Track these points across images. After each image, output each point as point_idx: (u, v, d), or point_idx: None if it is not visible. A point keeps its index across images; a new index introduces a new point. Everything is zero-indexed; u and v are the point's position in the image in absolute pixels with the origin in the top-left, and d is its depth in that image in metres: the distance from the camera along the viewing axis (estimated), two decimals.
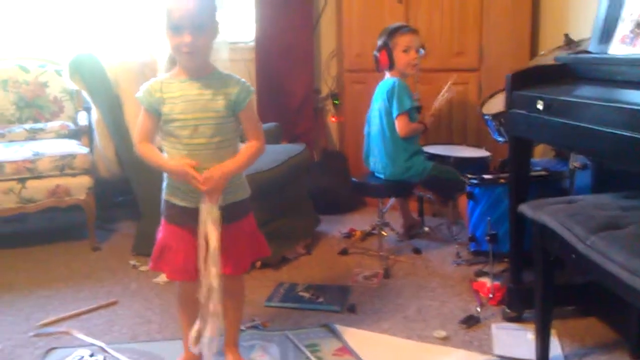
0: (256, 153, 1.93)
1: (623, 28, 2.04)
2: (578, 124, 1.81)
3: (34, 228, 3.79)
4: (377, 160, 3.12)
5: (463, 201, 2.90)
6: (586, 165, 2.45)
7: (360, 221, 3.65)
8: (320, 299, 2.59)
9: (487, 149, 3.33)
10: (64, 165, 3.26)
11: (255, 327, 2.36)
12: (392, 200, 3.52)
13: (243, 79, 1.92)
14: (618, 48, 2.03)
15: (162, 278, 2.79)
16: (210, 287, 1.83)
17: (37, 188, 3.23)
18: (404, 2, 3.69)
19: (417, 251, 3.16)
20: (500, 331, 2.28)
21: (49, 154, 3.25)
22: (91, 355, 2.17)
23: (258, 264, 2.89)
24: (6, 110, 3.72)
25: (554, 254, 1.89)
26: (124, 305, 2.62)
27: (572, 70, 2.21)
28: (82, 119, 3.71)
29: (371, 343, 2.23)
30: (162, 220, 1.97)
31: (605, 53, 2.09)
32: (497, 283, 2.52)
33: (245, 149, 1.93)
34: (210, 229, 1.81)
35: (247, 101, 1.88)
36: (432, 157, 3.16)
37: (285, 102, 4.20)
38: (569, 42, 2.62)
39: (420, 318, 2.42)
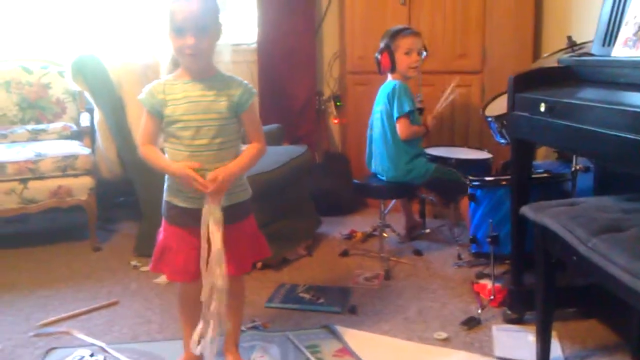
0: (258, 155, 1.94)
1: (626, 31, 2.04)
2: (581, 126, 1.81)
3: (36, 228, 3.79)
4: (379, 163, 3.12)
5: (465, 203, 2.90)
6: (588, 167, 2.45)
7: (361, 223, 3.65)
8: (321, 300, 2.59)
9: (489, 151, 3.33)
10: (66, 166, 3.26)
11: (255, 327, 2.36)
12: (393, 202, 3.52)
13: (245, 81, 1.93)
14: (621, 51, 2.03)
15: (163, 278, 2.79)
16: (212, 288, 1.83)
17: (39, 188, 3.23)
18: (406, 4, 3.69)
19: (418, 253, 3.16)
20: (501, 333, 2.28)
21: (51, 155, 3.26)
22: (91, 355, 2.16)
23: (259, 265, 2.89)
24: (9, 111, 3.72)
25: (555, 256, 1.89)
26: (125, 306, 2.62)
27: (575, 73, 2.21)
28: (85, 120, 3.71)
29: (372, 344, 2.23)
30: (163, 222, 1.97)
31: (608, 55, 2.08)
32: (498, 285, 2.52)
33: (247, 150, 1.93)
34: (213, 230, 1.81)
35: (249, 103, 1.89)
36: (434, 158, 3.16)
37: (287, 103, 4.20)
38: (572, 45, 2.61)
39: (421, 319, 2.42)
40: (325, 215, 3.64)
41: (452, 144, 3.63)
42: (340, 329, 2.32)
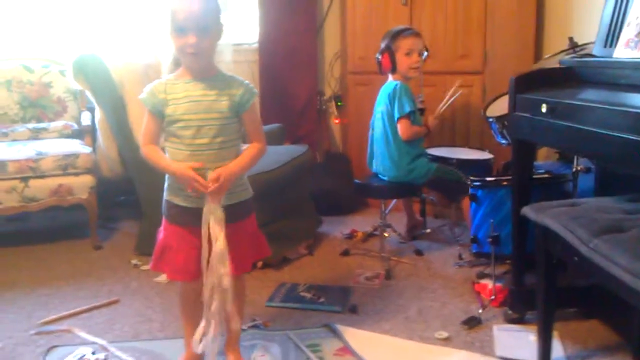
0: (258, 154, 1.95)
1: (628, 32, 2.04)
2: (582, 127, 1.81)
3: (36, 227, 3.80)
4: (380, 163, 3.12)
5: (466, 203, 2.90)
6: (589, 168, 2.45)
7: (362, 222, 3.65)
8: (322, 299, 2.59)
9: (490, 151, 3.33)
10: (67, 165, 3.27)
11: (256, 326, 2.36)
12: (394, 202, 3.53)
13: (247, 81, 1.93)
14: (623, 52, 2.03)
15: (164, 277, 2.80)
16: (213, 287, 1.83)
17: (39, 187, 3.23)
18: (408, 4, 3.69)
19: (419, 252, 3.16)
20: (502, 332, 2.28)
21: (52, 154, 3.26)
22: (93, 353, 2.17)
23: (259, 264, 2.89)
24: (10, 110, 3.72)
25: (556, 256, 1.89)
26: (125, 304, 2.62)
27: (577, 74, 2.21)
28: (86, 119, 3.71)
29: (372, 343, 2.23)
30: (164, 221, 1.98)
31: (610, 57, 2.08)
32: (499, 285, 2.52)
33: (248, 150, 1.94)
34: (215, 229, 1.81)
35: (250, 103, 1.90)
36: (435, 159, 3.17)
37: (288, 103, 4.20)
38: (573, 46, 2.61)
39: (422, 319, 2.42)
40: (326, 215, 3.64)
41: (453, 144, 3.63)
42: (341, 328, 2.32)
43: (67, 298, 2.69)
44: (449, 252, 3.15)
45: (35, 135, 3.59)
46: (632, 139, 1.57)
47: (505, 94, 2.59)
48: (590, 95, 1.99)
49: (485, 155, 3.30)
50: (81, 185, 3.30)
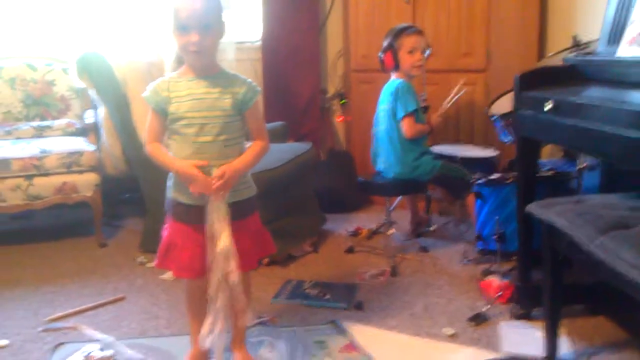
0: (261, 152, 1.96)
1: (632, 30, 2.04)
2: (586, 125, 1.81)
3: (41, 224, 3.80)
4: (385, 161, 3.12)
5: (471, 200, 2.91)
6: (594, 165, 2.46)
7: (366, 220, 3.66)
8: (328, 296, 2.60)
9: (495, 149, 3.33)
10: (71, 163, 3.27)
11: (263, 323, 2.37)
12: (398, 199, 3.53)
13: (249, 79, 1.94)
14: (626, 50, 2.04)
15: (169, 275, 2.80)
16: (219, 284, 1.84)
17: (44, 185, 3.24)
18: (411, 2, 3.69)
19: (424, 249, 3.16)
20: (508, 329, 2.29)
21: (56, 151, 3.27)
22: (100, 350, 2.17)
23: (265, 261, 2.90)
24: (14, 108, 3.73)
25: (562, 253, 1.90)
26: (131, 302, 2.63)
27: (580, 72, 2.22)
28: (89, 117, 3.72)
29: (378, 340, 2.24)
30: (168, 218, 1.98)
31: (614, 55, 2.09)
32: (505, 281, 2.52)
33: (251, 148, 1.95)
34: (220, 226, 1.82)
35: (253, 101, 1.91)
36: (440, 156, 3.17)
37: (291, 101, 4.21)
38: (577, 44, 2.62)
39: (428, 315, 2.43)
40: (330, 213, 3.65)
41: (457, 141, 3.64)
42: (347, 324, 2.33)
43: (73, 295, 2.70)
44: (454, 249, 3.16)
45: (39, 133, 3.60)
46: (635, 137, 1.58)
47: (509, 91, 2.61)
48: (594, 93, 2.00)
49: (490, 152, 3.31)
50: (85, 183, 3.31)
